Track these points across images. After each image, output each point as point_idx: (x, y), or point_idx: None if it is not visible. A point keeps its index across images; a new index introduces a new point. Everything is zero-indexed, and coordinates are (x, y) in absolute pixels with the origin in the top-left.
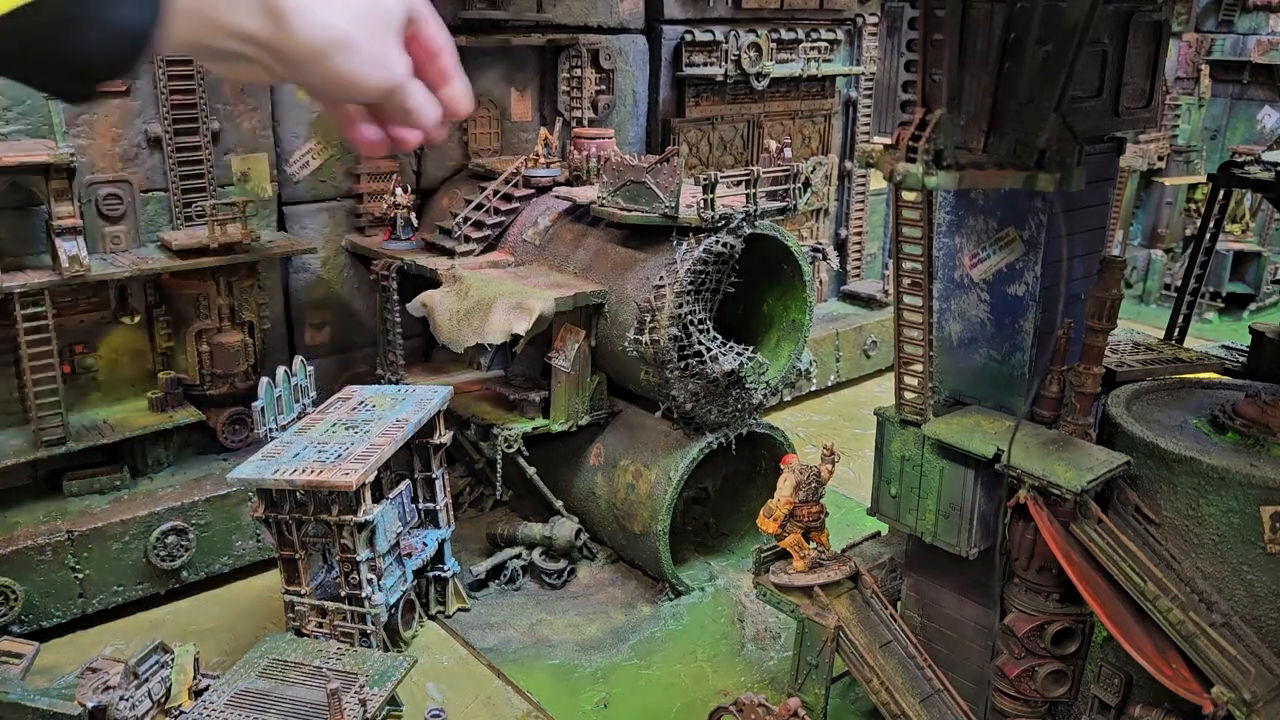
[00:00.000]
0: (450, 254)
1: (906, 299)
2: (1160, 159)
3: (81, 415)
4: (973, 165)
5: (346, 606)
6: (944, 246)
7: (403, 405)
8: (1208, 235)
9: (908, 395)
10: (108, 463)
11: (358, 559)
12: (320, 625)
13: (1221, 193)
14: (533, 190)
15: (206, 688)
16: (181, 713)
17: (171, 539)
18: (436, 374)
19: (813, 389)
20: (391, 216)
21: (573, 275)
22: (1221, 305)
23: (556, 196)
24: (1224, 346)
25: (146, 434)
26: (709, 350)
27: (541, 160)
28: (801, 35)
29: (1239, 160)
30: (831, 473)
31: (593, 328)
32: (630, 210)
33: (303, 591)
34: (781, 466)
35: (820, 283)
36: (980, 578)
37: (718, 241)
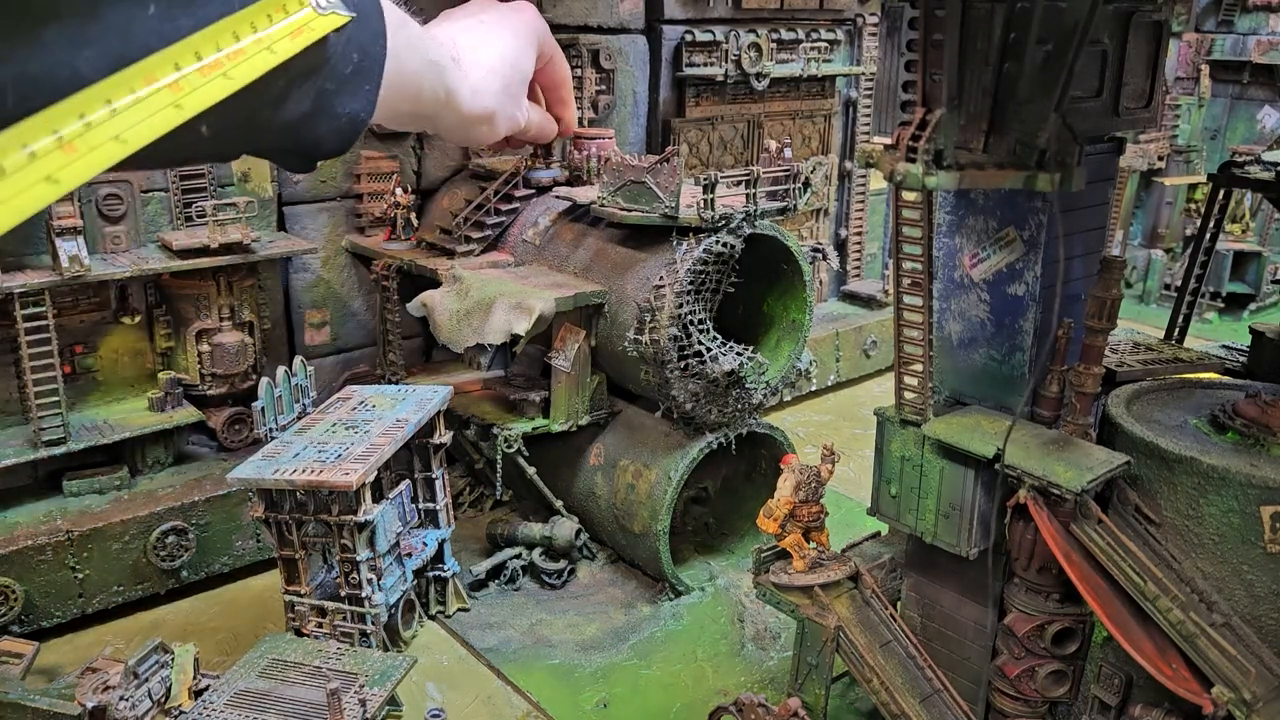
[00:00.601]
0: (450, 254)
1: (906, 299)
2: (1160, 159)
3: (81, 415)
4: (973, 165)
5: (346, 606)
6: (944, 246)
7: (403, 405)
8: (1208, 235)
9: (908, 395)
10: (108, 463)
11: (358, 559)
12: (320, 625)
13: (1221, 193)
14: (533, 190)
15: (206, 688)
16: (181, 713)
17: (171, 539)
18: (436, 374)
19: (813, 389)
20: (391, 216)
21: (573, 275)
22: (1221, 305)
23: (556, 196)
24: (1224, 346)
25: (146, 434)
26: (709, 350)
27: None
28: (801, 35)
29: (1239, 160)
30: (831, 473)
31: (593, 328)
32: (630, 210)
33: (303, 591)
34: (781, 466)
35: (820, 283)
36: (980, 578)
37: (718, 241)
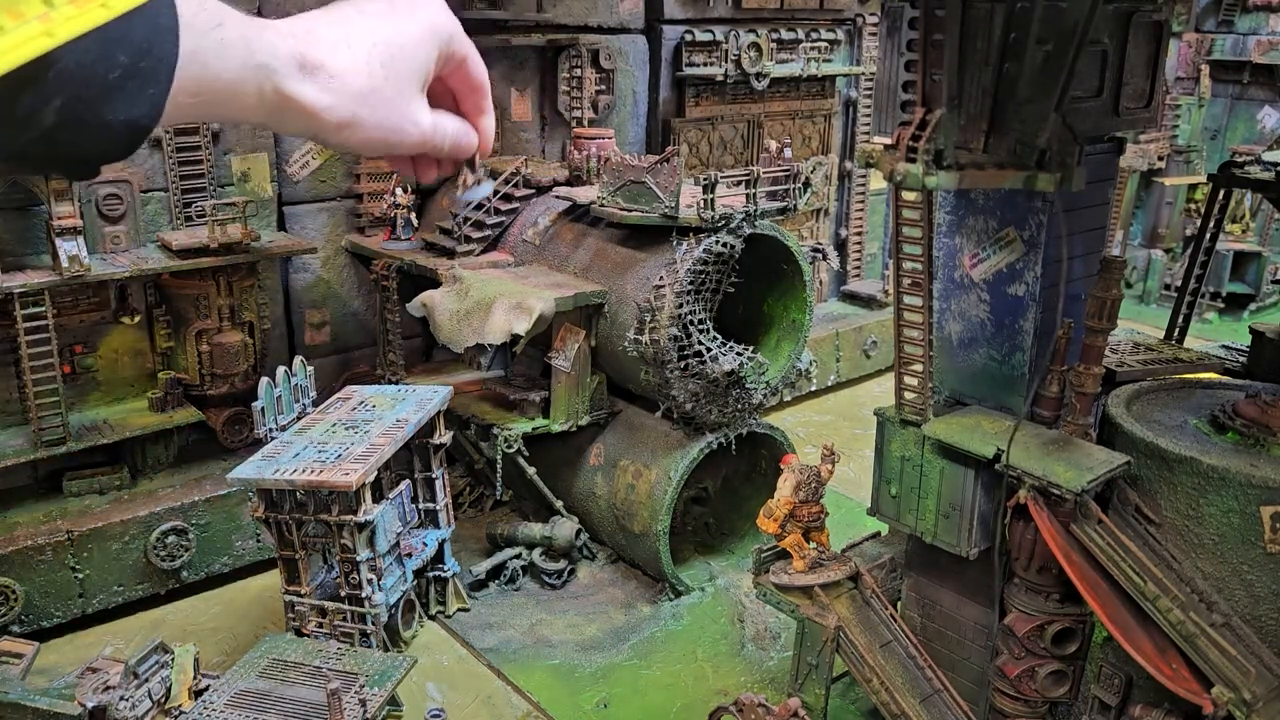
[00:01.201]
0: (450, 254)
1: (906, 299)
2: (1160, 159)
3: (81, 415)
4: (973, 165)
5: (346, 606)
6: (944, 246)
7: (403, 405)
8: (1208, 235)
9: (908, 395)
10: (108, 463)
11: (358, 559)
12: (320, 625)
13: (1221, 193)
14: (533, 190)
15: (206, 688)
16: (181, 713)
17: (171, 539)
18: (436, 374)
19: (813, 389)
20: (391, 216)
21: (573, 275)
22: (1221, 305)
23: (556, 196)
24: (1224, 346)
25: (146, 434)
26: (709, 350)
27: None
28: (801, 35)
29: (1239, 160)
30: (831, 473)
31: (593, 328)
32: (630, 210)
33: (303, 591)
34: (781, 466)
35: (820, 283)
36: (980, 578)
37: (718, 241)
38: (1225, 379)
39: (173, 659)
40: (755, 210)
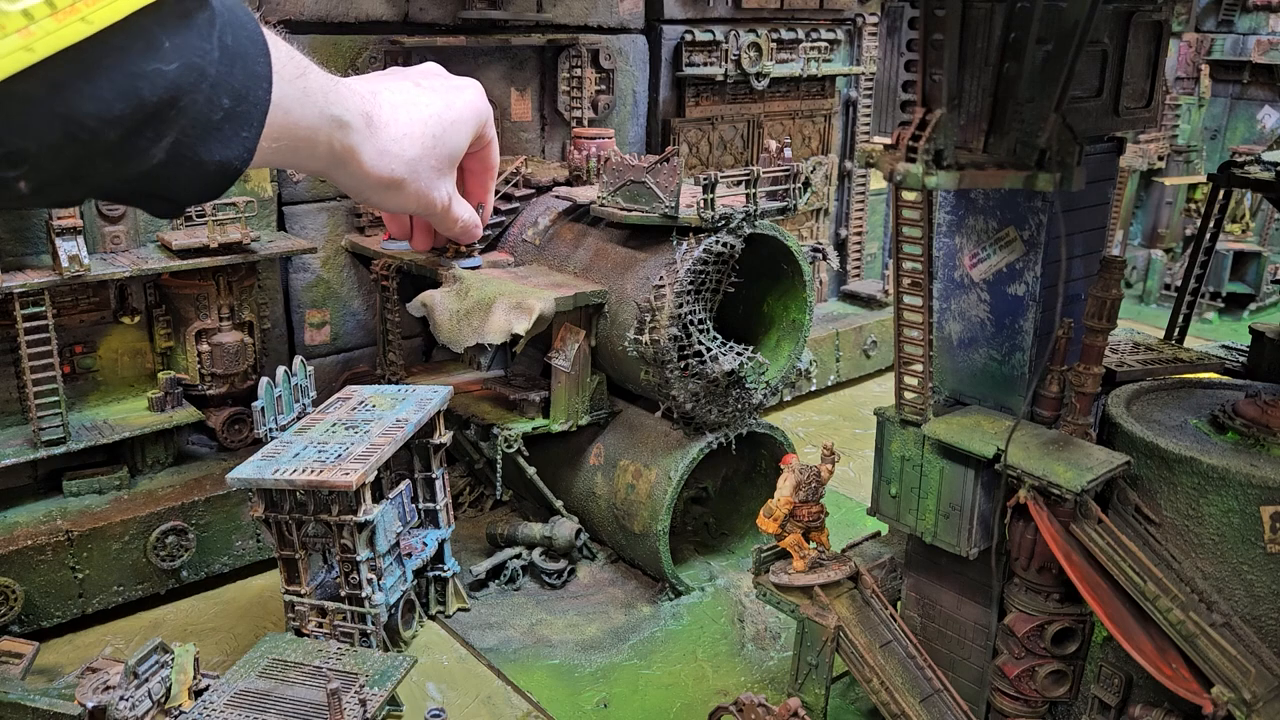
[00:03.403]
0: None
1: (906, 299)
2: (1160, 159)
3: (81, 415)
4: (973, 165)
5: (346, 606)
6: (944, 246)
7: (403, 405)
8: (1208, 235)
9: (908, 395)
10: (108, 463)
11: (358, 559)
12: (320, 625)
13: (1221, 193)
14: (532, 190)
15: (206, 688)
16: (181, 713)
17: (171, 539)
18: (436, 374)
19: (813, 389)
20: None
21: (573, 275)
22: (1221, 305)
23: (556, 196)
24: (1224, 346)
25: (146, 434)
26: (709, 350)
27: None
28: (801, 35)
29: (1239, 160)
30: (831, 473)
31: (593, 328)
32: (630, 210)
33: (303, 591)
34: (781, 466)
35: (820, 283)
36: (980, 578)
37: (718, 241)
38: (1225, 379)
39: (173, 659)
40: (755, 210)
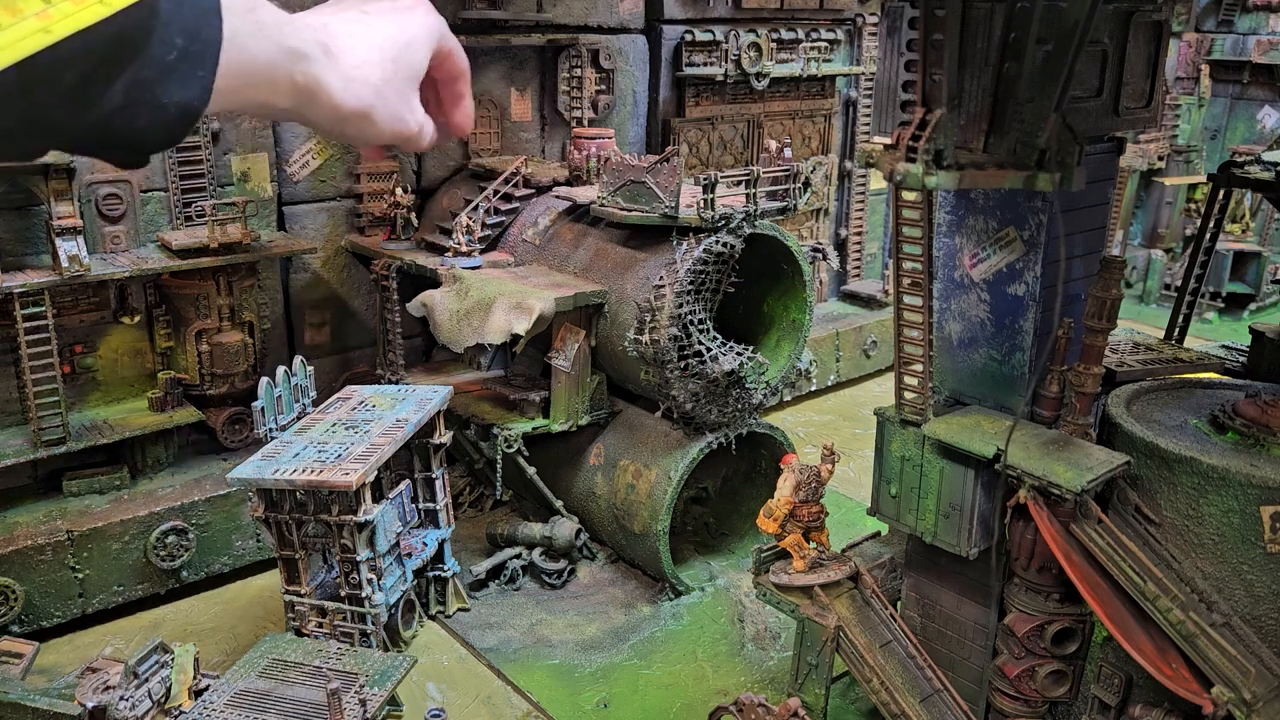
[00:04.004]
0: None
1: (906, 299)
2: (1160, 159)
3: (81, 415)
4: (973, 165)
5: (346, 606)
6: (944, 246)
7: (403, 405)
8: (1208, 235)
9: (908, 395)
10: (108, 463)
11: (358, 559)
12: (320, 625)
13: (1221, 193)
14: (533, 190)
15: (206, 688)
16: (181, 713)
17: (171, 539)
18: (436, 374)
19: (813, 389)
20: (391, 216)
21: (573, 275)
22: (1221, 305)
23: (556, 196)
24: (1224, 346)
25: (146, 434)
26: (709, 350)
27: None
28: (801, 35)
29: (1239, 160)
30: (831, 473)
31: (593, 328)
32: (630, 210)
33: (303, 591)
34: (781, 466)
35: (820, 283)
36: (980, 578)
37: (718, 241)
38: (1225, 379)
39: (173, 659)
40: (755, 210)
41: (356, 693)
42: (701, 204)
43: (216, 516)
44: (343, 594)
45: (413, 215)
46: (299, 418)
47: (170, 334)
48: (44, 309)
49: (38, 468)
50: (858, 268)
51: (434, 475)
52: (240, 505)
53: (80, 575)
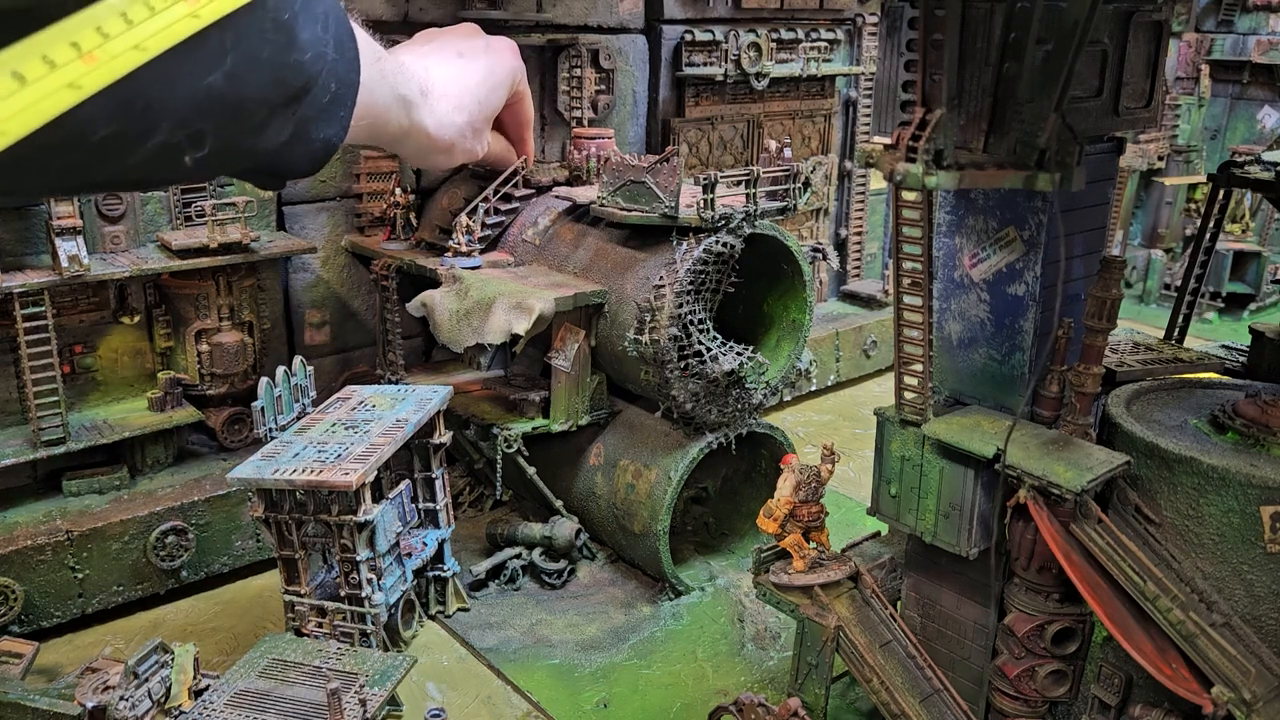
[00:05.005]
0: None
1: (906, 299)
2: (1160, 159)
3: (81, 415)
4: (973, 165)
5: (346, 606)
6: (944, 246)
7: (403, 405)
8: (1208, 235)
9: (908, 395)
10: (108, 463)
11: (358, 559)
12: (320, 625)
13: (1221, 193)
14: (532, 190)
15: (206, 688)
16: (181, 713)
17: (171, 539)
18: (436, 374)
19: (813, 389)
20: (391, 216)
21: (573, 275)
22: (1221, 305)
23: (556, 196)
24: (1224, 346)
25: (146, 434)
26: (709, 350)
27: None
28: (801, 35)
29: (1239, 160)
30: (831, 473)
31: (593, 328)
32: (630, 210)
33: (303, 591)
34: (781, 466)
35: (820, 283)
36: (980, 578)
37: (718, 241)
38: (1225, 379)
39: (173, 659)
40: (755, 210)
41: (356, 693)
42: (701, 204)
43: (216, 516)
44: (343, 594)
45: (412, 215)
46: (299, 418)
47: (170, 334)
48: (44, 309)
49: (37, 468)
50: (858, 268)
51: (434, 475)
52: (240, 505)
53: (80, 575)
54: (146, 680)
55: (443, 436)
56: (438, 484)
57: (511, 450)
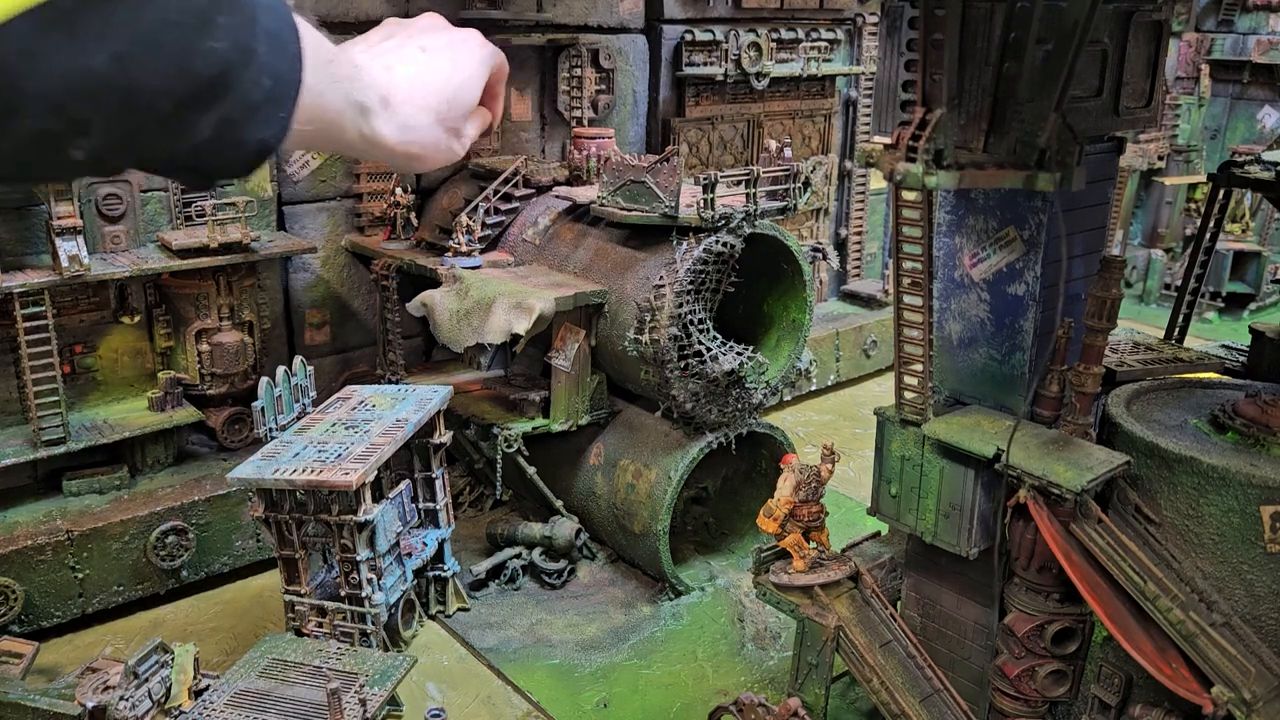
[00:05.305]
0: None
1: (906, 299)
2: (1160, 159)
3: (81, 415)
4: (973, 165)
5: (346, 606)
6: (944, 246)
7: (403, 405)
8: (1208, 235)
9: (908, 395)
10: (108, 463)
11: (358, 559)
12: (320, 625)
13: (1221, 192)
14: (533, 190)
15: (206, 688)
16: (181, 713)
17: (171, 539)
18: (436, 374)
19: (813, 389)
20: (391, 216)
21: (573, 275)
22: (1221, 305)
23: (556, 196)
24: (1224, 346)
25: (146, 434)
26: (709, 350)
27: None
28: (801, 35)
29: (1239, 160)
30: (831, 472)
31: (593, 327)
32: (630, 210)
33: (303, 591)
34: (781, 466)
35: (820, 283)
36: (980, 578)
37: (717, 241)
38: (1225, 379)
39: (173, 659)
40: (755, 210)
41: (356, 693)
42: (701, 204)
43: (216, 516)
44: (343, 594)
45: (413, 215)
46: (299, 418)
47: (170, 334)
48: (44, 309)
49: (38, 468)
50: (858, 268)
51: (434, 475)
52: (240, 505)
53: (80, 575)
54: (146, 680)
55: (443, 436)
56: (438, 484)
57: (511, 450)
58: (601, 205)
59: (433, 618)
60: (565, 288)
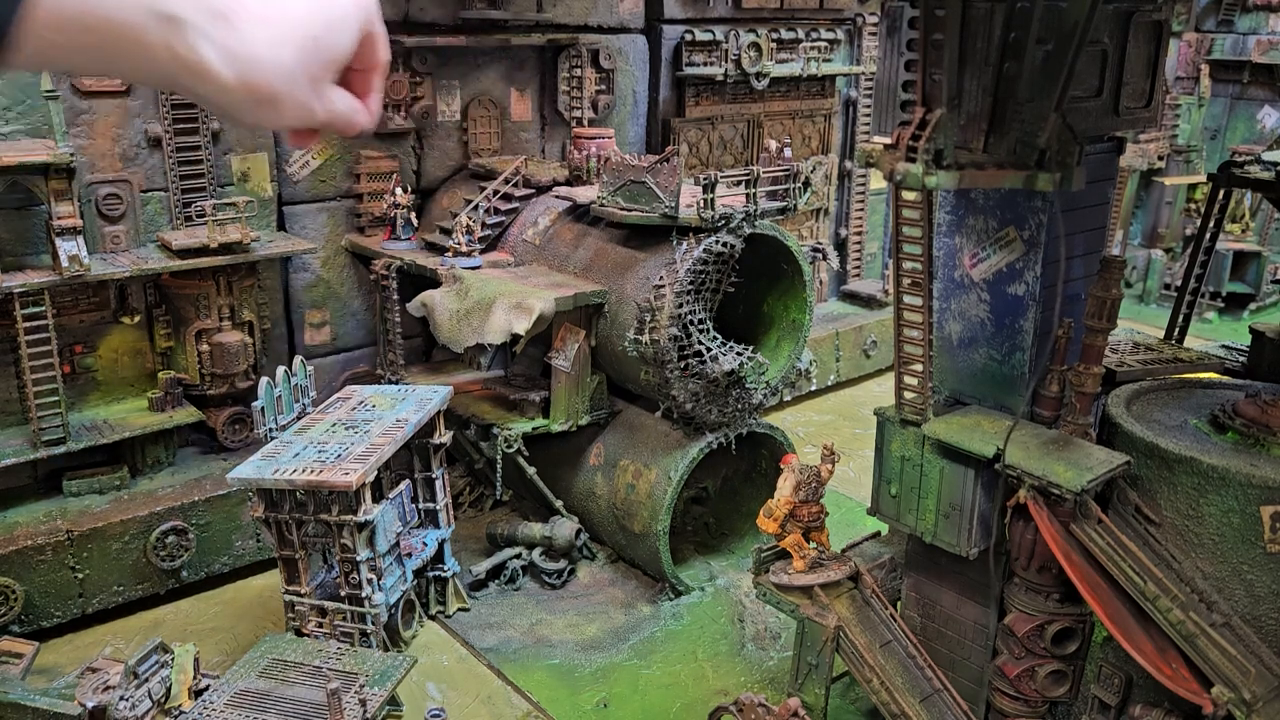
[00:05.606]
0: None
1: (906, 299)
2: (1160, 159)
3: (81, 415)
4: (973, 165)
5: (346, 606)
6: (944, 246)
7: (403, 405)
8: (1208, 235)
9: (908, 395)
10: (108, 463)
11: (358, 559)
12: (320, 625)
13: (1221, 192)
14: (533, 190)
15: (206, 688)
16: (181, 713)
17: (171, 539)
18: (436, 374)
19: (813, 389)
20: (391, 216)
21: (573, 275)
22: (1221, 305)
23: (556, 196)
24: (1224, 346)
25: (146, 434)
26: (709, 350)
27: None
28: (801, 35)
29: (1239, 160)
30: (831, 473)
31: (593, 328)
32: (630, 210)
33: (303, 591)
34: (781, 466)
35: (820, 283)
36: (980, 578)
37: (717, 241)
38: (1225, 379)
39: (173, 659)
40: (755, 210)
41: (356, 693)
42: (701, 204)
43: (216, 516)
44: (343, 594)
45: (413, 215)
46: (299, 418)
47: (170, 334)
48: (44, 309)
49: (38, 468)
50: (858, 268)
51: (434, 475)
52: (240, 505)
53: (80, 575)
54: (146, 680)
55: (443, 436)
56: (438, 484)
57: (511, 450)
58: (601, 205)
59: (433, 618)
60: (565, 288)
